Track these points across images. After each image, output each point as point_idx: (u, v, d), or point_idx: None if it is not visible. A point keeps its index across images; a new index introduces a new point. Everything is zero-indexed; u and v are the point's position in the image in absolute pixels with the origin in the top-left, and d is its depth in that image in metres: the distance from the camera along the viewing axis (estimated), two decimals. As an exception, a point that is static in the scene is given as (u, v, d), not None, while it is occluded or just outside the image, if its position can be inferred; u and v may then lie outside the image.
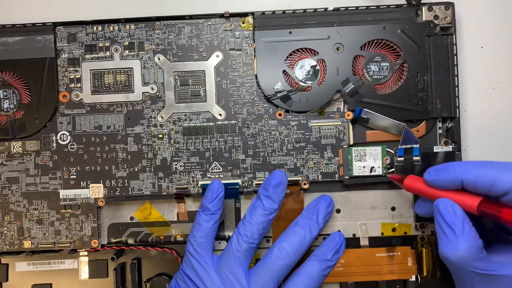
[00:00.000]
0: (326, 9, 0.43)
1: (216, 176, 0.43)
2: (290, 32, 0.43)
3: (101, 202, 0.43)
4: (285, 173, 0.40)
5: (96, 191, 0.43)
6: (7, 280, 0.45)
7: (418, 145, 0.42)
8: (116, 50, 0.43)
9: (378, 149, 0.43)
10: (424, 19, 0.43)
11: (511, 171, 0.32)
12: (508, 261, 0.33)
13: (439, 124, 0.44)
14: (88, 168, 0.43)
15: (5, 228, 0.43)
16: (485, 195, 0.34)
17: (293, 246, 0.39)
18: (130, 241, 0.44)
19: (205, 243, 0.39)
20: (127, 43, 0.43)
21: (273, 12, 0.43)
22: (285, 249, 0.38)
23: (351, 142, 0.43)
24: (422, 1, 0.43)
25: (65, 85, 0.43)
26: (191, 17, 0.43)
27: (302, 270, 0.39)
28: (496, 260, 0.34)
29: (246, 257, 0.39)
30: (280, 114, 0.43)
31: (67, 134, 0.43)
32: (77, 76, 0.43)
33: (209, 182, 0.43)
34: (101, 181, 0.43)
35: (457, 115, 0.43)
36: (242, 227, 0.39)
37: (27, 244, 0.43)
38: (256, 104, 0.43)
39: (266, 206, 0.39)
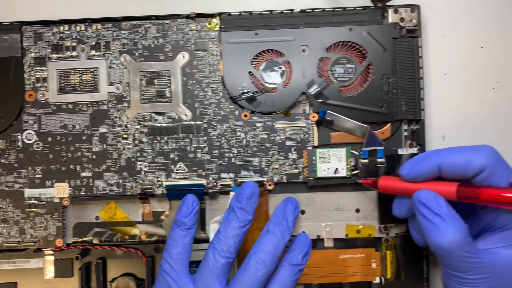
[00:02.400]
0: (292, 10, 0.43)
1: (180, 176, 0.43)
2: (256, 33, 0.43)
3: (66, 202, 0.43)
4: (256, 183, 0.41)
5: (61, 190, 0.43)
6: (-28, 278, 0.45)
7: (382, 147, 0.42)
8: (83, 50, 0.43)
9: (343, 150, 0.43)
10: (390, 21, 0.43)
11: (480, 152, 0.34)
12: (491, 248, 0.34)
13: (405, 127, 0.44)
14: (53, 168, 0.43)
15: (-30, 227, 0.43)
16: (460, 179, 0.34)
17: (269, 254, 0.38)
18: (95, 240, 0.44)
19: (181, 259, 0.38)
20: (93, 43, 0.43)
21: (240, 13, 0.43)
22: (262, 259, 0.38)
23: (316, 144, 0.43)
24: (388, 4, 0.43)
25: (31, 84, 0.43)
26: (157, 17, 0.43)
27: (276, 279, 0.39)
28: (481, 247, 0.35)
29: (224, 273, 0.38)
30: (245, 115, 0.43)
31: (33, 133, 0.43)
32: (43, 76, 0.43)
33: (173, 183, 0.43)
34: (66, 181, 0.43)
35: (422, 118, 0.43)
36: (218, 242, 0.38)
37: (-9, 243, 0.43)
38: (222, 105, 0.43)
39: (241, 218, 0.39)
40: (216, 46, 0.43)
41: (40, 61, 0.43)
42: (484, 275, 0.34)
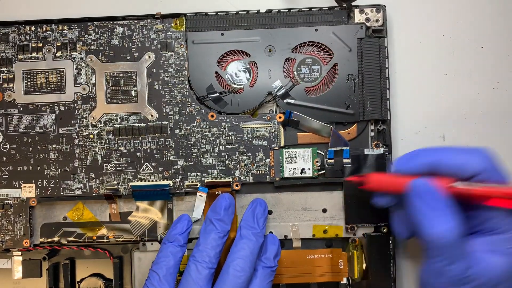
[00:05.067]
0: (258, 11, 0.43)
1: (147, 177, 0.43)
2: (222, 34, 0.43)
3: (33, 202, 0.43)
4: (231, 195, 0.42)
5: (28, 191, 0.43)
6: None
7: (348, 148, 0.42)
8: (49, 50, 0.43)
9: (309, 151, 0.43)
10: (356, 22, 0.43)
11: (476, 155, 0.34)
12: (485, 249, 0.33)
13: (371, 127, 0.44)
14: (20, 168, 0.43)
15: None
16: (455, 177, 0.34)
17: (247, 260, 0.39)
18: (63, 241, 0.44)
19: (171, 275, 0.39)
20: (59, 43, 0.43)
21: (206, 13, 0.43)
22: (240, 266, 0.38)
23: (282, 144, 0.43)
24: (353, 4, 0.43)
25: (-2, 85, 0.43)
26: (123, 18, 0.43)
27: (254, 283, 0.39)
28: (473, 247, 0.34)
29: (208, 283, 0.38)
30: (212, 116, 0.43)
31: (0, 134, 0.43)
32: (9, 76, 0.43)
33: (139, 183, 0.43)
34: (33, 181, 0.43)
35: (388, 118, 0.43)
36: (199, 254, 0.39)
37: (-42, 244, 0.43)
38: (188, 105, 0.43)
39: (220, 229, 0.40)
40: (182, 46, 0.43)
41: (6, 62, 0.43)
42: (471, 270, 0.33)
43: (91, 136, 0.43)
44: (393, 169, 0.37)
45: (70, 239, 0.44)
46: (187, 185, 0.43)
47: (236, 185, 0.43)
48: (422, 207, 0.33)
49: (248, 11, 0.43)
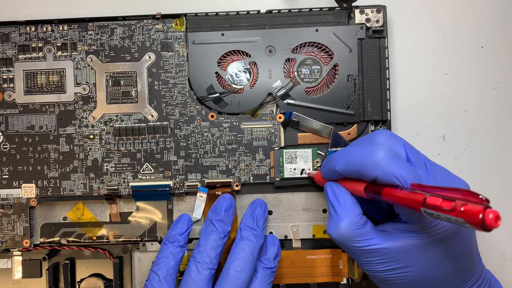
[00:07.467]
0: (258, 11, 0.43)
1: (147, 177, 0.43)
2: (222, 34, 0.43)
3: (33, 202, 0.43)
4: (231, 195, 0.42)
5: (28, 191, 0.43)
6: None
7: (348, 148, 0.42)
8: (49, 50, 0.43)
9: (309, 151, 0.43)
10: (356, 22, 0.43)
11: (371, 159, 0.33)
12: (392, 233, 0.34)
13: (372, 127, 0.44)
14: (20, 168, 0.43)
15: None
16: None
17: (247, 261, 0.39)
18: (63, 241, 0.44)
19: (171, 275, 0.39)
20: (60, 43, 0.43)
21: (206, 13, 0.43)
22: (240, 267, 0.38)
23: (282, 144, 0.43)
24: (354, 4, 0.43)
25: (-2, 85, 0.43)
26: (123, 18, 0.43)
27: (254, 284, 0.39)
28: (387, 230, 0.35)
29: (208, 284, 0.38)
30: (212, 116, 0.43)
31: (0, 134, 0.43)
32: (10, 76, 0.43)
33: (139, 183, 0.43)
34: (33, 181, 0.43)
35: (388, 118, 0.43)
36: (199, 255, 0.39)
37: (-41, 244, 0.43)
38: (189, 106, 0.43)
39: (220, 230, 0.40)
40: (183, 46, 0.43)
41: (7, 62, 0.43)
42: (376, 258, 0.34)
43: (91, 136, 0.43)
44: (321, 171, 0.39)
45: (70, 239, 0.44)
46: (187, 186, 0.43)
47: (236, 186, 0.43)
48: (328, 207, 0.37)
49: (248, 12, 0.43)
